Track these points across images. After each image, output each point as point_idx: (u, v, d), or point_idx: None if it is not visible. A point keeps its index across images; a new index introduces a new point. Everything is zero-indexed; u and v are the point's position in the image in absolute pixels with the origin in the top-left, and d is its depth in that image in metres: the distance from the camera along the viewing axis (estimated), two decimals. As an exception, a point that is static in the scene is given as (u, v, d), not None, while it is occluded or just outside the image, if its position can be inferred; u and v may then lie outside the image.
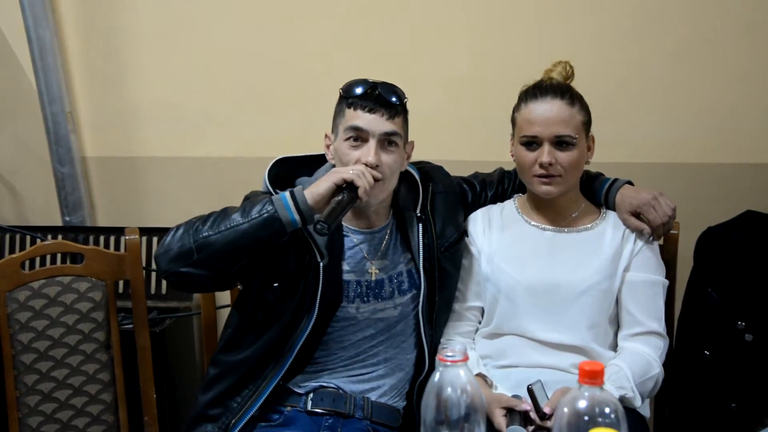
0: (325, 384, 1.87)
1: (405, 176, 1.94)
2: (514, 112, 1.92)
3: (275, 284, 1.81)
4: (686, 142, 2.58)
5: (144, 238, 2.75)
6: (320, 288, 1.81)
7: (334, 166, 1.85)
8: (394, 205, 1.95)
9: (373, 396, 1.90)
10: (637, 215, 1.92)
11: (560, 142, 1.84)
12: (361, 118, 1.78)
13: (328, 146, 1.89)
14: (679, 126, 2.59)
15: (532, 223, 1.96)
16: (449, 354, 1.22)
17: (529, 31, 2.66)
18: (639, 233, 1.91)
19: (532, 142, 1.86)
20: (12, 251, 2.84)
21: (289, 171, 1.92)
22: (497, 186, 2.10)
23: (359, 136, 1.78)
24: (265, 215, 1.69)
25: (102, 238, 2.86)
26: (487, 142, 2.65)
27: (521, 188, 2.04)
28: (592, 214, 1.96)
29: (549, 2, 2.64)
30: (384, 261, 1.90)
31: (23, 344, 2.07)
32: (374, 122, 1.77)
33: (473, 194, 2.08)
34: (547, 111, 1.85)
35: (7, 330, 2.06)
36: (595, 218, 1.95)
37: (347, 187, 1.70)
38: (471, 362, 1.82)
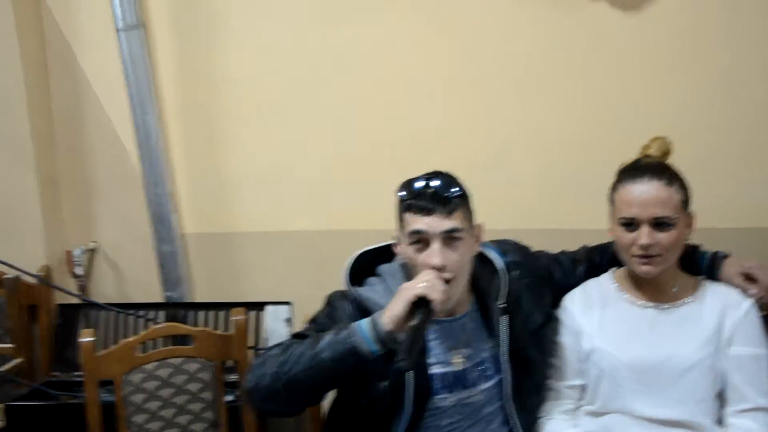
0: None
1: (486, 260, 1.93)
2: (612, 191, 1.92)
3: (369, 384, 1.82)
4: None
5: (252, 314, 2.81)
6: (411, 387, 1.81)
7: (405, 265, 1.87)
8: (474, 289, 1.93)
9: None
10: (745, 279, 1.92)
11: (659, 224, 1.83)
12: (420, 222, 1.77)
13: (396, 245, 1.88)
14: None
15: (633, 300, 1.94)
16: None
17: (623, 96, 2.66)
18: (743, 298, 1.89)
19: (630, 223, 1.86)
20: (116, 329, 2.93)
21: (370, 260, 1.93)
22: (587, 262, 2.08)
23: (421, 239, 1.78)
24: (348, 349, 1.69)
25: (202, 314, 2.92)
26: (579, 209, 2.69)
27: (614, 261, 2.02)
28: (691, 286, 1.94)
29: (644, 72, 2.64)
30: (468, 350, 1.89)
31: (138, 425, 2.13)
32: (433, 224, 1.76)
33: (562, 272, 2.06)
34: (645, 193, 1.84)
35: (123, 412, 2.12)
36: (694, 290, 1.93)
37: (421, 303, 1.68)
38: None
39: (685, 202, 1.88)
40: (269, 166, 2.97)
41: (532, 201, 2.79)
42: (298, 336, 1.85)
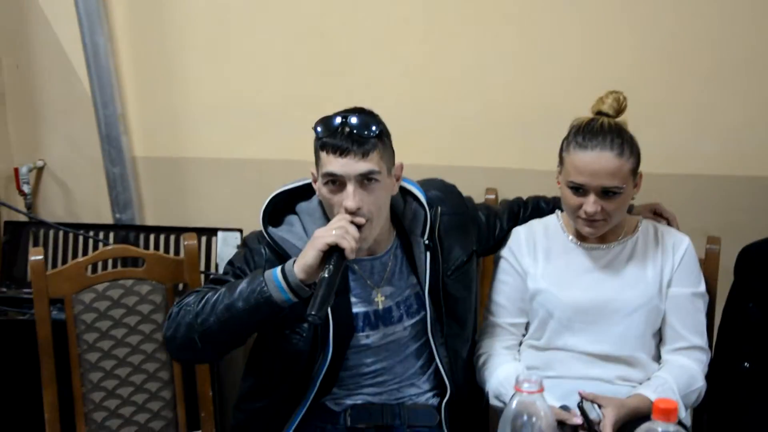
0: (359, 402, 1.92)
1: (409, 196, 1.92)
2: (562, 149, 1.91)
3: (287, 332, 1.84)
4: (725, 156, 2.63)
5: (203, 239, 2.86)
6: (331, 326, 1.82)
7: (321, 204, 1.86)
8: (397, 227, 1.93)
9: (402, 399, 1.94)
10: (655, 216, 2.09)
11: (606, 192, 1.85)
12: (334, 163, 1.72)
13: (314, 181, 1.84)
14: (717, 140, 2.64)
15: (577, 242, 2.01)
16: (527, 385, 1.29)
17: (573, 48, 2.71)
18: (682, 238, 1.99)
19: (578, 188, 1.87)
20: (65, 248, 2.95)
21: (289, 197, 1.91)
22: (508, 216, 2.15)
23: (336, 180, 1.74)
24: (261, 299, 1.68)
25: (152, 237, 2.95)
26: (525, 148, 2.78)
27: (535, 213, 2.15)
28: (633, 226, 2.02)
29: (593, 22, 2.68)
30: (390, 287, 1.89)
31: (88, 344, 2.18)
32: (347, 165, 1.71)
33: (486, 218, 2.09)
34: (595, 163, 1.83)
35: (74, 330, 2.16)
36: (635, 230, 2.01)
37: (334, 250, 1.65)
38: (518, 374, 1.92)
39: (635, 169, 1.88)
40: (221, 92, 2.96)
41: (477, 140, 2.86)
42: (215, 282, 1.86)
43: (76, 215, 3.15)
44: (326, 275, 1.62)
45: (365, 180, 1.73)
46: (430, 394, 1.97)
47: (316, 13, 2.85)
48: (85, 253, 2.93)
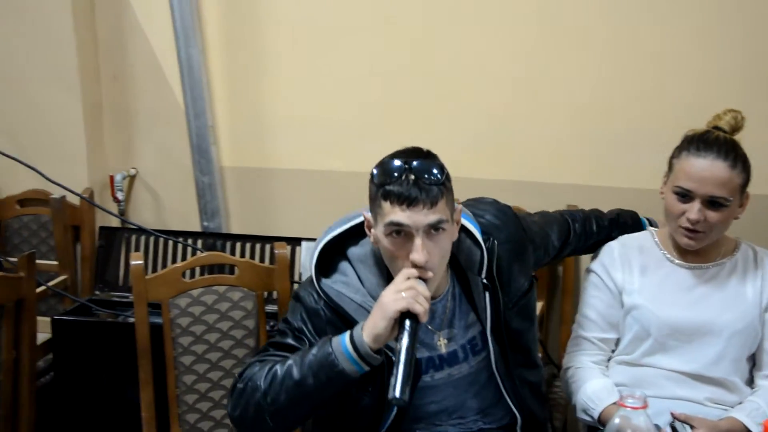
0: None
1: (466, 231, 1.78)
2: (673, 156, 1.93)
3: (354, 392, 1.73)
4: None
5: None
6: None
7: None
8: (453, 265, 1.79)
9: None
10: None
11: (713, 202, 1.85)
12: (400, 214, 1.58)
13: (369, 228, 1.70)
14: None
15: (674, 260, 2.01)
16: (631, 400, 1.32)
17: (654, 68, 2.71)
18: None
19: (685, 195, 1.88)
20: (155, 254, 3.07)
21: (338, 244, 1.77)
22: (558, 233, 2.10)
23: (401, 231, 1.60)
24: (333, 374, 1.59)
25: (238, 245, 3.04)
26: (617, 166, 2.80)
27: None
28: (732, 248, 2.01)
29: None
30: (452, 330, 1.79)
31: (183, 347, 2.26)
32: (415, 217, 1.58)
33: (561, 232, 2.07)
34: (706, 170, 1.84)
35: (170, 333, 2.25)
36: (734, 252, 2.00)
37: (405, 316, 1.55)
38: (607, 389, 1.94)
39: (744, 185, 1.89)
40: (307, 105, 3.05)
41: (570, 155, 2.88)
42: (276, 346, 1.76)
43: (164, 222, 3.26)
44: (403, 350, 1.51)
45: (432, 230, 1.60)
46: (504, 422, 1.88)
47: (403, 27, 2.91)
48: (174, 259, 3.03)
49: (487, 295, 1.75)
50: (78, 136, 3.14)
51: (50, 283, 2.91)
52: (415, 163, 1.59)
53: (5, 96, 3.15)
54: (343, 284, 1.72)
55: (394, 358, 1.54)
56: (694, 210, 1.86)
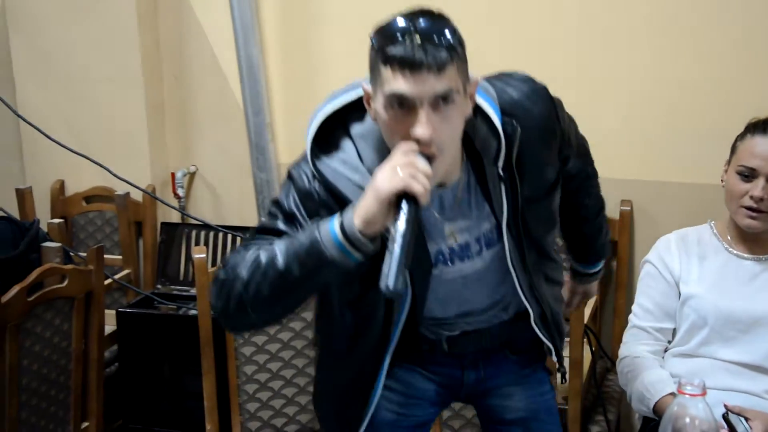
0: (451, 328, 1.68)
1: (483, 114, 1.49)
2: (737, 140, 1.98)
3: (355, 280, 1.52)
4: None
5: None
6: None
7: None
8: (468, 150, 1.53)
9: (496, 321, 1.69)
10: None
11: None
12: (402, 82, 1.33)
13: (368, 101, 1.44)
14: None
15: (733, 251, 2.03)
16: (689, 388, 1.33)
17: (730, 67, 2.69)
18: None
19: (748, 174, 1.92)
20: (215, 248, 3.15)
21: (342, 118, 1.51)
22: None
23: (403, 102, 1.35)
24: (320, 263, 1.37)
25: (295, 240, 3.10)
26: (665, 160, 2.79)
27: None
28: None
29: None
30: (465, 221, 1.56)
31: (244, 337, 2.33)
32: (420, 85, 1.33)
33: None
34: None
35: (232, 325, 2.32)
36: None
37: (403, 197, 1.32)
38: (663, 380, 1.95)
39: None
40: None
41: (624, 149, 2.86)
42: (264, 231, 1.50)
43: (223, 218, 3.34)
44: (399, 236, 1.29)
45: (440, 102, 1.35)
46: (517, 313, 1.70)
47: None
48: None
49: (503, 187, 1.51)
50: (141, 134, 3.24)
51: (115, 276, 3.01)
52: (421, 22, 1.35)
53: (72, 96, 3.26)
54: (341, 162, 1.46)
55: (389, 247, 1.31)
56: (758, 187, 1.90)
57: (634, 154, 2.84)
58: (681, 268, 2.03)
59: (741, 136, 1.98)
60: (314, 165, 1.46)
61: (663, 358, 2.06)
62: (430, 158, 1.34)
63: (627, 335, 2.11)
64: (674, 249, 2.06)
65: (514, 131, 1.48)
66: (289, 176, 1.52)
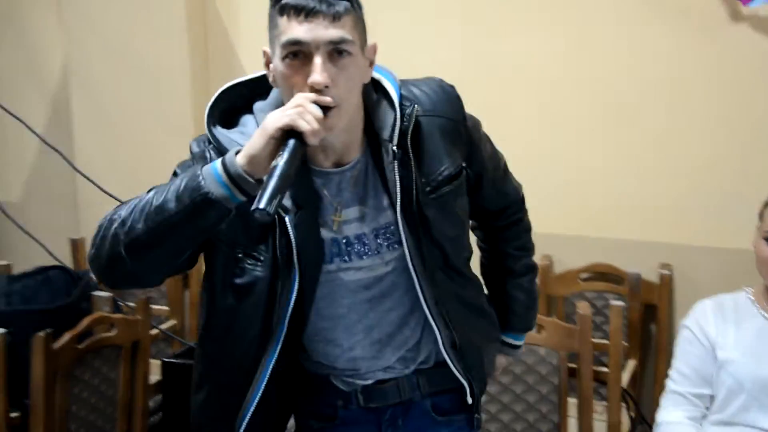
0: (364, 375, 1.58)
1: (384, 93, 1.49)
2: (764, 206, 2.00)
3: (240, 254, 1.47)
4: None
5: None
6: (294, 245, 1.43)
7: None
8: (368, 133, 1.49)
9: (412, 366, 1.59)
10: None
11: None
12: (297, 29, 1.34)
13: (267, 65, 1.43)
14: None
15: None
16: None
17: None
18: None
19: None
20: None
21: (245, 98, 1.50)
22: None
23: (299, 51, 1.35)
24: (198, 199, 1.31)
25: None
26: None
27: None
28: None
29: None
30: (363, 208, 1.49)
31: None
32: (315, 30, 1.34)
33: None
34: None
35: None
36: None
37: (290, 136, 1.30)
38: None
39: None
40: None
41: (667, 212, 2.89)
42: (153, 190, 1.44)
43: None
44: (280, 163, 1.27)
45: (336, 52, 1.36)
46: (435, 346, 1.59)
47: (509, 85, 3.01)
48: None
49: (396, 166, 1.46)
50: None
51: (162, 326, 3.08)
52: None
53: (127, 149, 3.37)
54: (239, 133, 1.45)
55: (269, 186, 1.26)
56: None
57: (674, 217, 2.86)
58: (717, 333, 2.04)
59: (767, 203, 2.00)
60: (210, 131, 1.45)
61: (701, 425, 2.06)
62: (325, 110, 1.33)
63: (664, 400, 2.10)
64: (710, 314, 2.07)
65: (413, 110, 1.47)
66: (190, 148, 1.51)
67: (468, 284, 1.64)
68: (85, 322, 2.27)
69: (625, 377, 2.68)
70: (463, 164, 1.54)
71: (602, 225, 2.93)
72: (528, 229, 1.79)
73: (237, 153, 1.33)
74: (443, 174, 1.50)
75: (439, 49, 3.02)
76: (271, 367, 1.49)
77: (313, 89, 1.33)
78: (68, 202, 3.53)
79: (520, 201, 1.76)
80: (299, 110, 1.30)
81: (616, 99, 2.88)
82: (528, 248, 1.79)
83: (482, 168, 1.61)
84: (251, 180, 1.31)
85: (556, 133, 2.96)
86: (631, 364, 2.81)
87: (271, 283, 1.45)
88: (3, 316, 2.26)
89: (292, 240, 1.42)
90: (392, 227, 1.50)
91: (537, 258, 2.82)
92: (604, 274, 2.94)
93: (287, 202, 1.41)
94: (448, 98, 1.54)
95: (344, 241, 1.49)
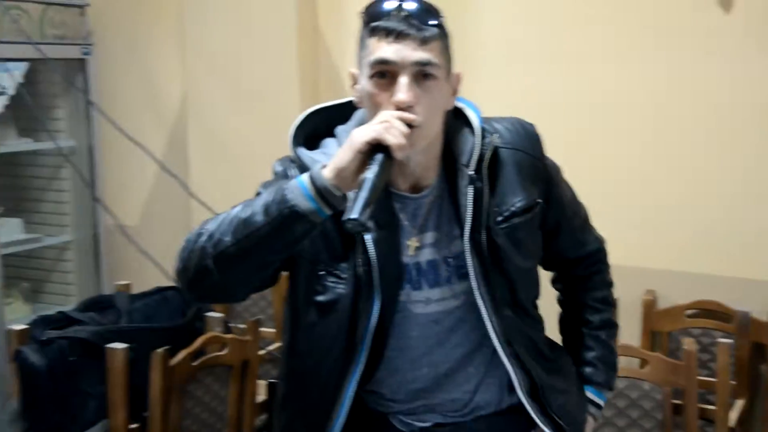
0: (422, 416, 1.54)
1: (467, 122, 1.52)
2: None
3: (321, 272, 1.48)
4: None
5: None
6: (374, 263, 1.44)
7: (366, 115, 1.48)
8: (446, 158, 1.52)
9: (471, 407, 1.54)
10: None
11: None
12: (386, 49, 1.39)
13: (354, 86, 1.49)
14: None
15: None
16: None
17: None
18: None
19: None
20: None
21: (327, 123, 1.54)
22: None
23: (386, 71, 1.40)
24: (286, 212, 1.34)
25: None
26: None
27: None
28: None
29: None
30: (436, 234, 1.50)
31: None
32: (403, 51, 1.39)
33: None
34: None
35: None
36: None
37: (377, 150, 1.33)
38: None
39: None
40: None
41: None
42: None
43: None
44: (369, 176, 1.30)
45: (421, 75, 1.40)
46: (498, 390, 1.55)
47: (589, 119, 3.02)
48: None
49: (471, 191, 1.47)
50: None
51: (268, 348, 3.18)
52: (409, 2, 1.42)
53: (240, 177, 3.43)
54: (322, 154, 1.49)
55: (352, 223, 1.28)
56: None
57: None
58: None
59: None
60: (294, 151, 1.50)
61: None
62: (409, 126, 1.36)
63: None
64: None
65: (492, 140, 1.49)
66: (273, 169, 1.55)
67: (537, 326, 1.62)
68: (200, 341, 2.39)
69: (733, 416, 2.62)
70: (539, 200, 1.54)
71: (707, 261, 2.89)
72: (609, 284, 1.75)
73: (322, 168, 1.36)
74: (516, 205, 1.51)
75: (529, 83, 3.07)
76: (353, 388, 1.49)
77: (398, 108, 1.37)
78: (182, 226, 3.68)
79: (601, 254, 1.73)
80: (386, 125, 1.33)
81: (718, 125, 2.85)
82: (608, 302, 1.74)
83: (561, 211, 1.61)
84: (338, 194, 1.33)
85: (662, 167, 2.94)
86: (739, 404, 2.75)
87: (353, 301, 1.46)
88: (126, 333, 2.39)
89: (372, 258, 1.44)
90: (462, 255, 1.49)
91: (640, 292, 2.86)
92: (710, 311, 2.88)
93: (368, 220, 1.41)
94: (528, 135, 1.56)
95: (417, 267, 1.50)
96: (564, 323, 1.75)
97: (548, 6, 3.06)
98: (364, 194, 1.28)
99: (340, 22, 3.39)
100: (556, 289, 1.76)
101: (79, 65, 3.59)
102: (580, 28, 3.00)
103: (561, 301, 1.76)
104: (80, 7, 3.59)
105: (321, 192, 1.33)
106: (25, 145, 3.64)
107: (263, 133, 3.43)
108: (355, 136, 1.34)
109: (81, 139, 3.69)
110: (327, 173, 1.34)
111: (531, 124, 1.58)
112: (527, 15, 3.10)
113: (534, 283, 1.60)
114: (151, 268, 3.12)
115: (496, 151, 1.50)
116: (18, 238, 3.62)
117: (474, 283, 1.48)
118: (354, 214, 1.26)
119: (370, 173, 1.30)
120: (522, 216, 1.51)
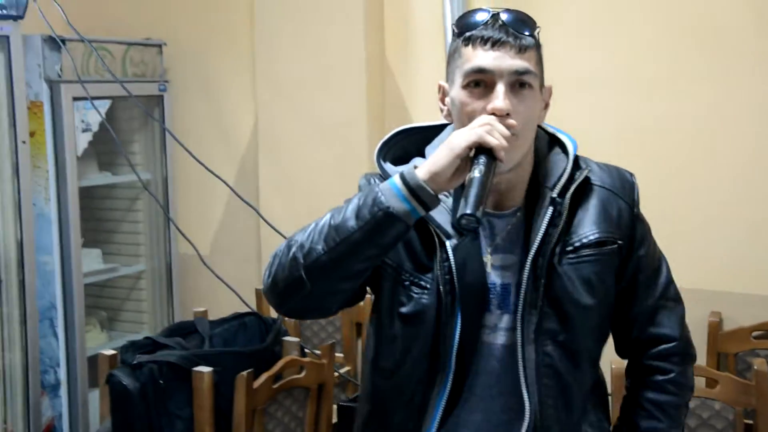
0: None
1: (561, 147, 1.49)
2: None
3: (405, 282, 1.44)
4: None
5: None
6: (454, 270, 1.40)
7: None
8: (532, 184, 1.47)
9: None
10: None
11: None
12: (483, 57, 1.36)
13: (442, 100, 1.47)
14: None
15: None
16: None
17: None
18: None
19: None
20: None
21: (417, 147, 1.51)
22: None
23: (482, 80, 1.37)
24: (379, 214, 1.30)
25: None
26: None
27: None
28: None
29: None
30: (511, 257, 1.45)
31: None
32: (501, 59, 1.36)
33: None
34: None
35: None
36: None
37: (478, 153, 1.30)
38: None
39: None
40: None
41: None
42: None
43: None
44: (476, 174, 1.28)
45: (518, 84, 1.38)
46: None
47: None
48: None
49: (548, 213, 1.41)
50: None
51: (340, 371, 3.27)
52: (504, 13, 1.40)
53: (311, 211, 3.59)
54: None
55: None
56: None
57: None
58: None
59: None
60: (379, 164, 1.48)
61: None
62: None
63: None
64: None
65: (585, 172, 1.46)
66: (358, 184, 1.54)
67: (585, 380, 1.49)
68: (281, 363, 2.49)
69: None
70: (619, 241, 1.47)
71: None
72: (678, 391, 1.54)
73: (415, 166, 1.34)
74: (589, 237, 1.44)
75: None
76: (441, 408, 1.43)
77: (494, 116, 1.35)
78: (253, 254, 3.82)
79: (677, 349, 1.54)
80: (487, 128, 1.31)
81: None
82: (666, 412, 1.52)
83: (638, 265, 1.51)
84: (432, 192, 1.31)
85: (726, 189, 2.98)
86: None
87: (437, 311, 1.42)
88: (210, 357, 2.50)
89: (452, 265, 1.41)
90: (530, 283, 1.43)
91: (706, 314, 2.88)
92: (776, 333, 2.90)
93: (449, 228, 1.40)
94: (624, 181, 1.51)
95: (492, 287, 1.45)
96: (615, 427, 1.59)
97: (615, 34, 3.14)
98: (475, 191, 1.26)
99: (406, 53, 3.51)
100: (625, 387, 1.60)
101: (156, 101, 3.79)
102: (651, 55, 3.07)
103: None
104: (158, 46, 3.81)
105: (415, 192, 1.31)
106: (105, 178, 3.83)
107: (331, 164, 3.55)
108: (454, 139, 1.32)
109: (156, 171, 3.87)
110: (421, 173, 1.31)
111: (630, 173, 1.53)
112: (596, 42, 3.17)
113: (597, 334, 1.50)
114: (222, 295, 3.24)
115: (585, 182, 1.46)
116: (97, 268, 3.79)
117: (518, 317, 1.41)
118: (469, 209, 1.24)
119: (477, 172, 1.28)
120: (593, 249, 1.45)
